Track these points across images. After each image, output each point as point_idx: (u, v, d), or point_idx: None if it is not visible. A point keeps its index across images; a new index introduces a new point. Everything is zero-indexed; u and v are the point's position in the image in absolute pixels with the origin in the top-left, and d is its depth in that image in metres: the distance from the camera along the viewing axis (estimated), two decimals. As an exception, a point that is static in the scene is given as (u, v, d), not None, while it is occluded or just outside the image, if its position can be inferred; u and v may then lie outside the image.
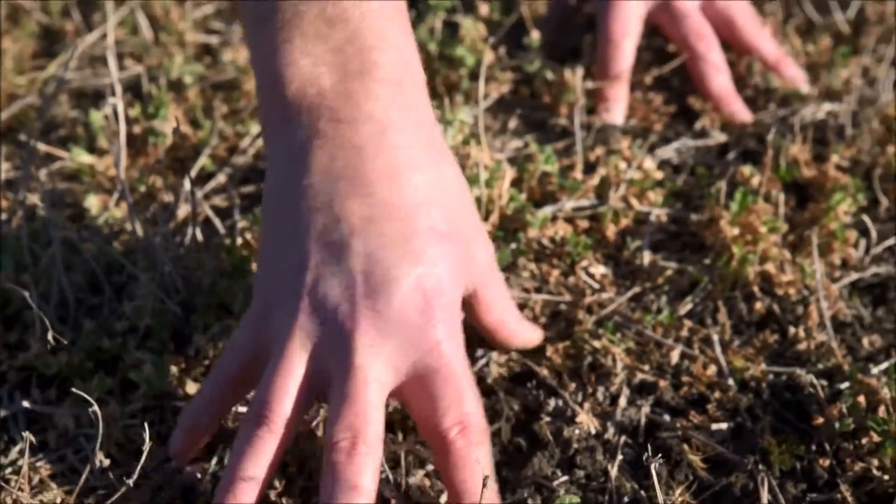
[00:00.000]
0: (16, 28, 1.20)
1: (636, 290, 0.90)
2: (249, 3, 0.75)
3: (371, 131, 0.72)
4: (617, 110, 1.06)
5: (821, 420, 0.79)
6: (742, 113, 1.06)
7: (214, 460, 0.79)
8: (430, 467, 0.78)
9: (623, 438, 0.80)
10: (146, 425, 0.74)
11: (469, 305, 0.78)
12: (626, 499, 0.77)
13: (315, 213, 0.72)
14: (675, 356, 0.85)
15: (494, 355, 0.84)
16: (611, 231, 0.94)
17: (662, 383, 0.83)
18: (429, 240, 0.72)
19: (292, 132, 0.73)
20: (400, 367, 0.71)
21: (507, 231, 0.92)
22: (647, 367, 0.84)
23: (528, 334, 0.83)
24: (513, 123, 1.06)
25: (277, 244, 0.73)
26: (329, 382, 0.71)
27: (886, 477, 0.76)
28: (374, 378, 0.70)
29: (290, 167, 0.73)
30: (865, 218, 0.94)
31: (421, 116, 0.74)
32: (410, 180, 0.72)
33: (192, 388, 0.83)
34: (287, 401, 0.71)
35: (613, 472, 0.78)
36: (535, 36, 1.09)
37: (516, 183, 0.96)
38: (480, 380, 0.83)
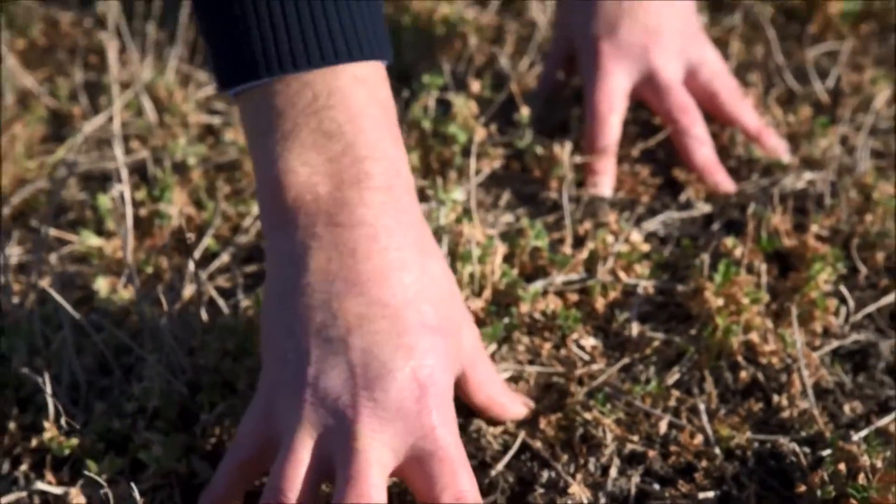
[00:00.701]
0: (26, 112, 1.24)
1: (625, 360, 0.94)
2: (251, 114, 0.80)
3: (364, 235, 0.77)
4: (605, 183, 1.10)
5: (803, 488, 0.82)
6: (726, 183, 1.09)
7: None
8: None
9: (614, 508, 0.83)
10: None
11: (459, 386, 0.83)
12: (617, 568, 0.80)
13: (313, 310, 0.77)
14: (663, 426, 0.88)
15: (491, 429, 0.88)
16: (600, 304, 0.97)
17: (651, 453, 0.86)
18: (420, 334, 0.77)
19: (291, 234, 0.78)
20: (399, 450, 0.76)
21: (499, 306, 0.96)
22: (636, 438, 0.87)
23: (515, 408, 0.88)
24: (504, 198, 1.10)
25: (279, 338, 0.78)
26: (334, 466, 0.76)
27: (867, 543, 0.79)
28: (376, 460, 0.75)
29: (289, 266, 0.78)
30: (842, 288, 0.97)
31: (410, 218, 0.80)
32: (400, 280, 0.77)
33: (199, 466, 0.86)
34: (298, 487, 0.75)
35: (605, 542, 0.81)
36: (524, 112, 1.12)
37: (508, 258, 1.00)
38: (478, 452, 0.86)
